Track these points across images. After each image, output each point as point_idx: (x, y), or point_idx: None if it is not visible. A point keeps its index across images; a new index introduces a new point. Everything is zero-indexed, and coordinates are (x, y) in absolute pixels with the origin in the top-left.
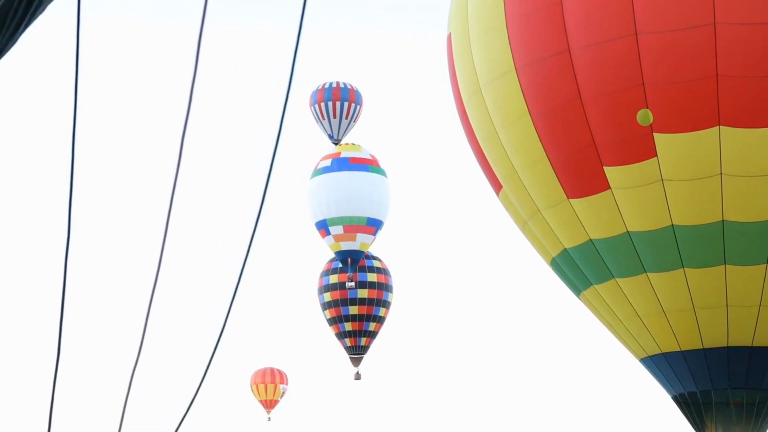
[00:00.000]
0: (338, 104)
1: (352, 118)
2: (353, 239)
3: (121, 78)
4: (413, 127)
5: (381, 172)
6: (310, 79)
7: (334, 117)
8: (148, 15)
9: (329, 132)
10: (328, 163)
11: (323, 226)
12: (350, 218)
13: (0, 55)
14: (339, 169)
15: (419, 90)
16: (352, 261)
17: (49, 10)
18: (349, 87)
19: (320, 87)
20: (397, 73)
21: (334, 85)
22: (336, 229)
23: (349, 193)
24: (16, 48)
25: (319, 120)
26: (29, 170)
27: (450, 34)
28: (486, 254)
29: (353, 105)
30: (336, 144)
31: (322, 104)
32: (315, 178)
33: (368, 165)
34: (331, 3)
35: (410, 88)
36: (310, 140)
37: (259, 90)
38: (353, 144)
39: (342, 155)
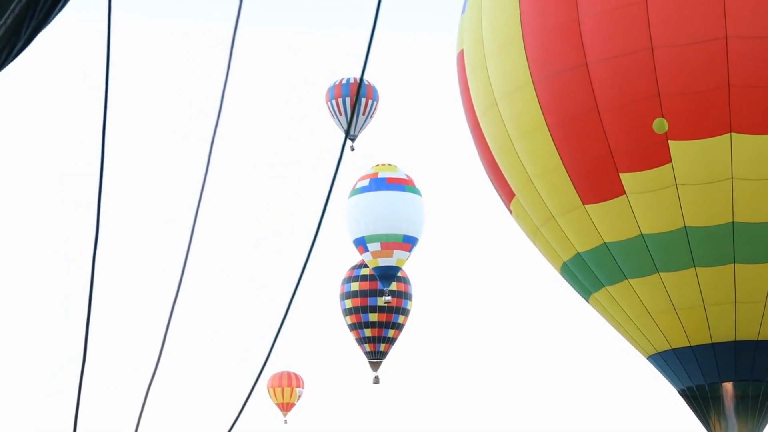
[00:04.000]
0: (355, 100)
1: (369, 114)
2: (390, 255)
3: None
4: (424, 128)
5: (416, 191)
6: (316, 79)
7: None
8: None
9: (345, 128)
10: (366, 183)
11: (361, 243)
12: (387, 236)
13: (23, 48)
14: (377, 189)
15: (429, 92)
16: (388, 276)
17: (73, 13)
18: (366, 83)
19: (337, 83)
20: (409, 76)
21: (352, 81)
22: (374, 246)
23: (387, 212)
24: (39, 49)
25: (335, 115)
26: (56, 171)
27: (462, 50)
28: (501, 264)
29: (370, 101)
30: (352, 140)
31: (339, 100)
32: (353, 197)
33: (404, 185)
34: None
35: (421, 89)
36: (324, 136)
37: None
38: (389, 164)
39: (379, 175)
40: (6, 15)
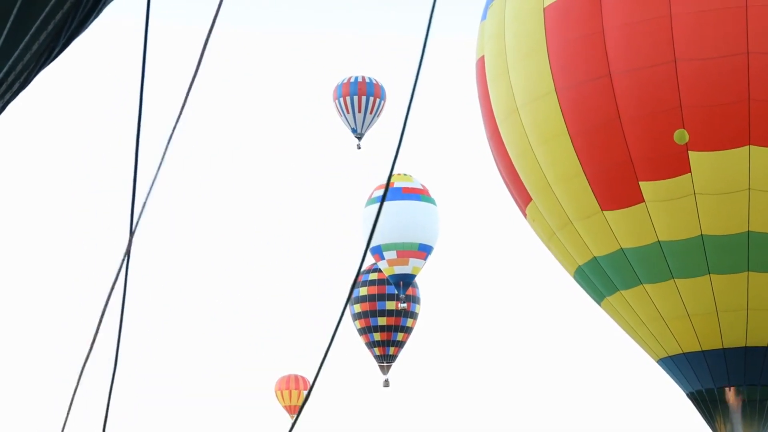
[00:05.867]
0: (363, 99)
1: (376, 113)
2: (406, 263)
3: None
4: (433, 130)
5: (431, 201)
6: (321, 77)
7: (359, 111)
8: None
9: (352, 126)
10: (382, 192)
11: (378, 251)
12: (403, 244)
13: (59, 53)
14: (392, 199)
15: (441, 94)
16: (403, 284)
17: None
18: (374, 82)
19: (345, 81)
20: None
21: (360, 80)
22: (390, 254)
23: (402, 221)
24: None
25: (343, 113)
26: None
27: (482, 57)
28: (511, 269)
29: (378, 100)
30: (359, 138)
31: (347, 98)
32: (370, 206)
33: (420, 195)
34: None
35: (431, 90)
36: (331, 134)
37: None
38: (405, 174)
39: (395, 185)
40: (42, 21)
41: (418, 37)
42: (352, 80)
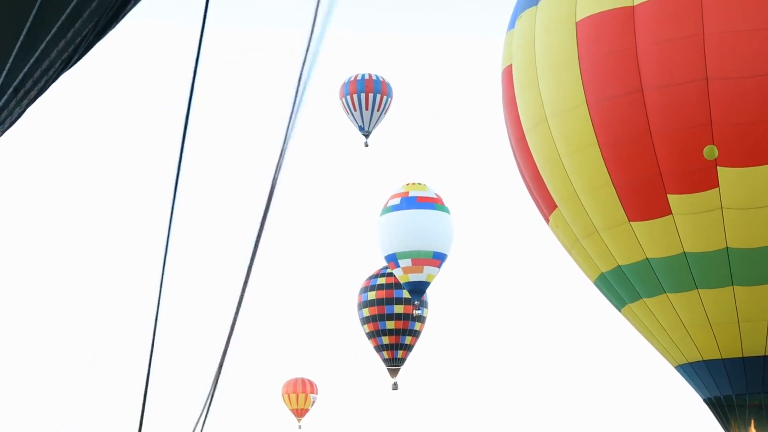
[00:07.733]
0: (371, 96)
1: (383, 110)
2: (420, 271)
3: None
4: (437, 128)
5: (445, 209)
6: (328, 75)
7: (366, 109)
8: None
9: (359, 124)
10: (397, 201)
11: (393, 259)
12: (418, 252)
13: (77, 61)
14: (407, 207)
15: (449, 94)
16: (419, 291)
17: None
18: (381, 79)
19: (352, 78)
20: (430, 78)
21: (367, 77)
22: (404, 262)
23: (417, 230)
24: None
25: (350, 111)
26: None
27: (509, 66)
28: (524, 276)
29: (385, 97)
30: (366, 136)
31: (354, 96)
32: (385, 215)
33: (434, 203)
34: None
35: (439, 91)
36: (338, 131)
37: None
38: (419, 183)
39: (410, 194)
40: (60, 28)
41: (421, 37)
42: (359, 78)
